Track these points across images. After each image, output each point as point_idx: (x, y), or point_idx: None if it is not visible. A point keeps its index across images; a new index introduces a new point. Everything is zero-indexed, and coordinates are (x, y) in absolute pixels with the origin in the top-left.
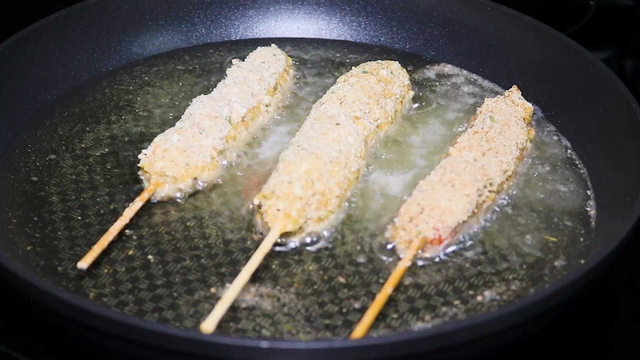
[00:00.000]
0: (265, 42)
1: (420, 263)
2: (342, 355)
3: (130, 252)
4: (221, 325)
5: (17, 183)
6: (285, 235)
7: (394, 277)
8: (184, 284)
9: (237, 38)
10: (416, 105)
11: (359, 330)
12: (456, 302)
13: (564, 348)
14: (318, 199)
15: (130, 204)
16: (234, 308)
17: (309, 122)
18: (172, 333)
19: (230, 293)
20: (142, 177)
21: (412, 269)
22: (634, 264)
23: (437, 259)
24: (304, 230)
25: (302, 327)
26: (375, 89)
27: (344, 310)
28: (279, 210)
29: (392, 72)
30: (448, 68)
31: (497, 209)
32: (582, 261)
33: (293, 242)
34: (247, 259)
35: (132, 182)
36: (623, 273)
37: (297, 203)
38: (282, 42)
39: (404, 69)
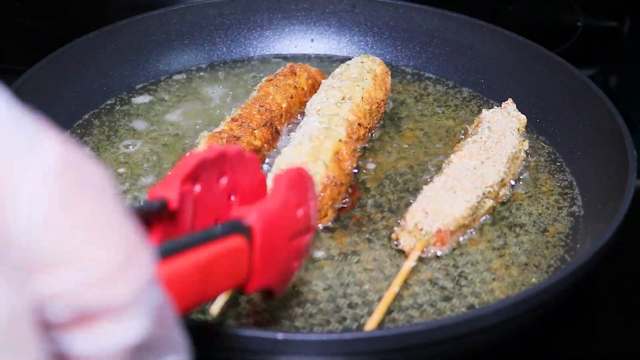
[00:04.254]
0: (281, 58)
1: (423, 263)
2: (353, 347)
3: None
4: (240, 318)
5: None
6: None
7: (400, 276)
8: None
9: (255, 55)
10: (418, 117)
11: (370, 324)
12: (455, 299)
13: (560, 348)
14: None
15: None
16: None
17: None
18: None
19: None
20: None
21: (416, 268)
22: (631, 267)
23: (438, 259)
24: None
25: (314, 319)
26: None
27: (353, 305)
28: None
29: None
30: (448, 83)
31: (492, 214)
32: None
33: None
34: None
35: None
36: (623, 274)
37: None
38: (296, 59)
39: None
